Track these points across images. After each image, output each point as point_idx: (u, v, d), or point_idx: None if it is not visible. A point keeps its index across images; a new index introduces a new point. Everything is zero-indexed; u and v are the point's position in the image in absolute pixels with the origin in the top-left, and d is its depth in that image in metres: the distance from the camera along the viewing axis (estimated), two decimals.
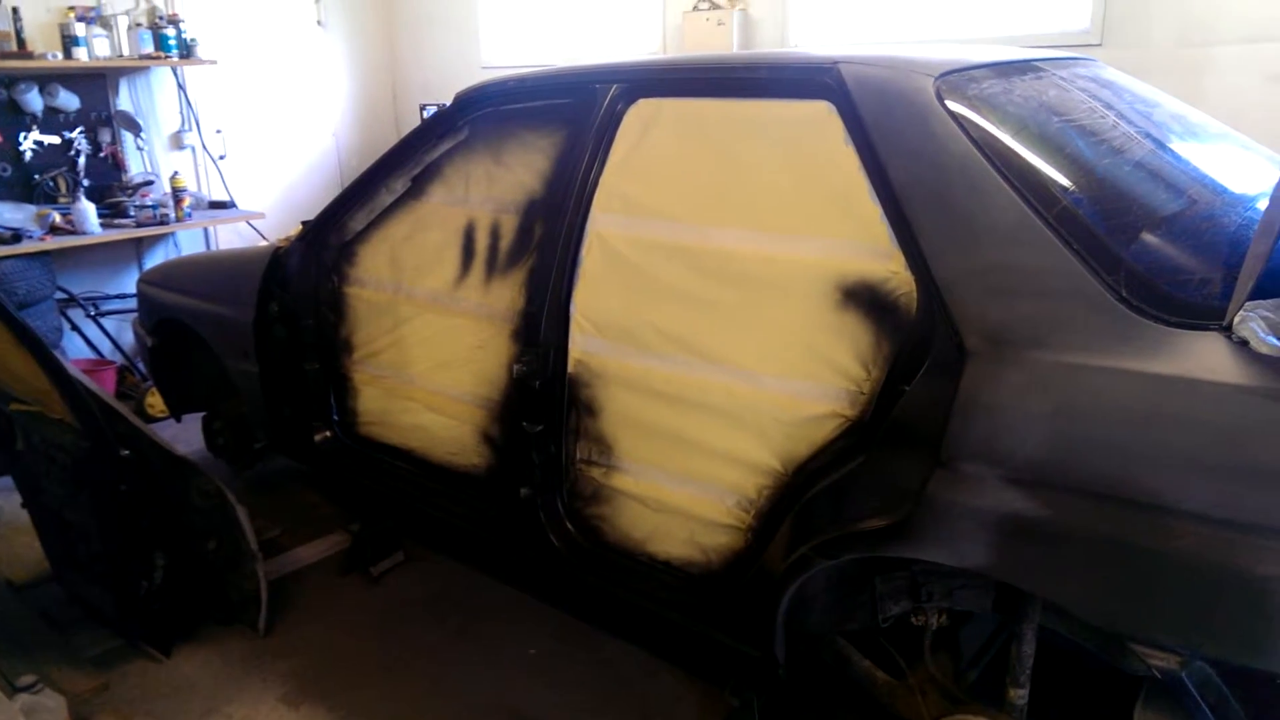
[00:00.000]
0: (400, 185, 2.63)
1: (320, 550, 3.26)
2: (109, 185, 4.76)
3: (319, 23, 5.76)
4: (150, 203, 4.66)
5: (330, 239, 2.81)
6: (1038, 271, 1.46)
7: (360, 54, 6.05)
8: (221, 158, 5.35)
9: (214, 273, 3.21)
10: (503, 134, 2.38)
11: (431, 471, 2.68)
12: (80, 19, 4.38)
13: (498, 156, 2.38)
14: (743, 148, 1.91)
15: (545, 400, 2.22)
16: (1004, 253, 1.49)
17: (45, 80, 4.45)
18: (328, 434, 2.99)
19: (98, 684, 2.45)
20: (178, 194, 4.68)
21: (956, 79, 1.70)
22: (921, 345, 1.59)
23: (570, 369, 2.19)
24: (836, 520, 1.69)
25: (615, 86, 2.11)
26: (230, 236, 5.45)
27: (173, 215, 4.60)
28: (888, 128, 1.66)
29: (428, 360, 2.61)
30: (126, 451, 2.49)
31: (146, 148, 5.00)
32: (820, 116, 1.77)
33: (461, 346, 2.47)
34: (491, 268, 2.37)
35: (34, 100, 4.42)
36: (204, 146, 5.23)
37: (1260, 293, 1.36)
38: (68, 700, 2.27)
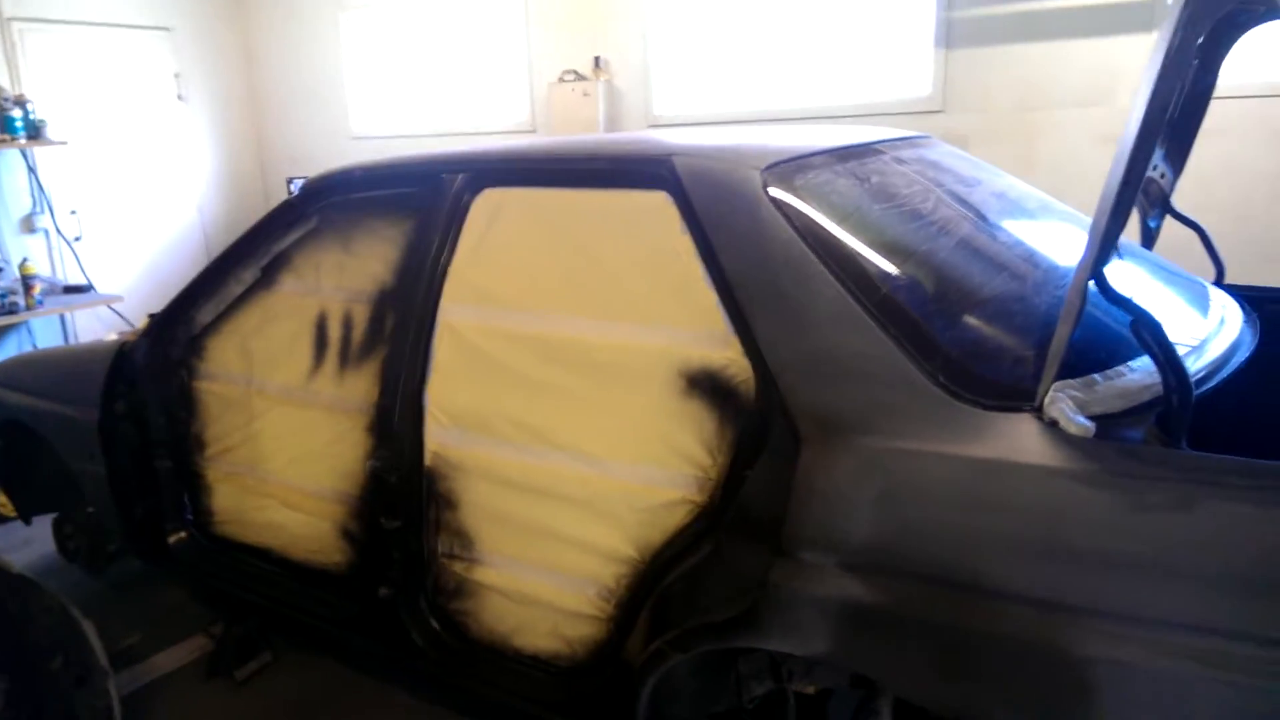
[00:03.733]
0: (249, 275, 2.54)
1: (182, 656, 3.06)
2: None
3: (179, 97, 5.60)
4: None
5: (178, 333, 2.69)
6: (861, 358, 1.50)
7: (224, 127, 5.92)
8: (77, 239, 5.11)
9: (56, 371, 3.03)
10: (352, 223, 2.33)
11: (292, 570, 2.56)
12: None
13: (348, 245, 2.33)
14: (587, 237, 1.92)
15: (403, 495, 2.15)
16: (829, 340, 1.53)
17: None
18: (183, 535, 2.83)
19: None
20: (27, 281, 4.43)
21: (784, 169, 1.75)
22: (761, 431, 1.61)
23: (427, 462, 2.13)
24: (689, 610, 1.67)
25: (460, 176, 2.10)
26: (90, 322, 5.19)
27: (22, 303, 4.35)
28: (718, 218, 1.69)
29: (283, 455, 2.50)
30: None
31: None
32: (658, 206, 1.80)
33: (317, 441, 2.39)
34: (345, 359, 2.31)
35: None
36: (57, 229, 4.99)
37: (1071, 370, 1.42)
38: None
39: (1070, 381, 1.41)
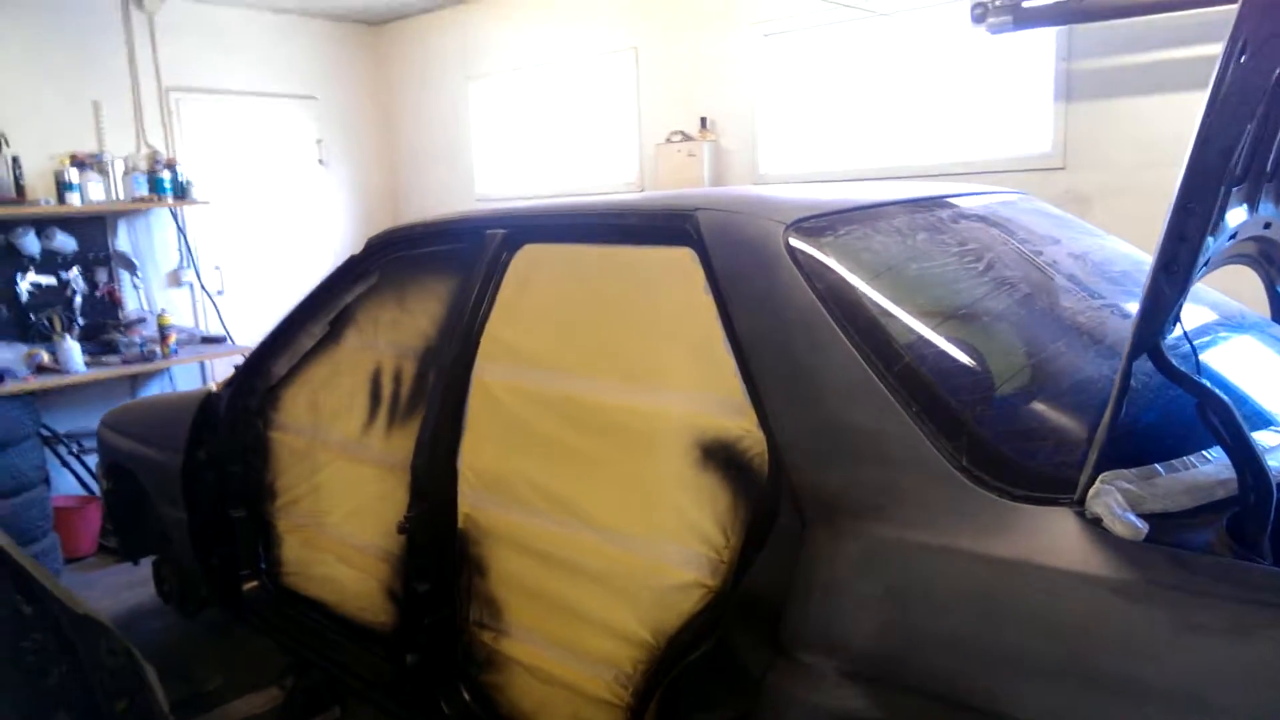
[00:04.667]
0: (319, 329, 2.60)
1: (257, 704, 3.11)
2: (103, 323, 4.88)
3: (320, 161, 5.98)
4: (138, 340, 4.76)
5: (256, 383, 2.78)
6: (875, 435, 1.33)
7: (361, 189, 6.26)
8: (219, 293, 5.48)
9: (153, 417, 3.20)
10: (407, 279, 2.35)
11: (344, 627, 2.54)
12: (77, 165, 4.59)
13: (402, 301, 2.35)
14: (613, 294, 1.83)
15: (434, 557, 2.10)
16: (842, 413, 1.37)
17: (43, 224, 4.64)
18: (255, 584, 2.89)
19: None
20: (164, 331, 4.77)
21: (814, 224, 1.62)
22: (772, 512, 1.45)
23: (460, 524, 2.07)
24: (695, 706, 1.51)
25: (502, 232, 2.07)
26: (228, 370, 5.52)
27: (159, 352, 4.68)
28: (736, 276, 1.57)
29: (340, 509, 2.52)
30: (29, 608, 2.41)
31: (143, 286, 5.15)
32: (683, 263, 1.69)
33: (368, 496, 2.38)
34: (393, 415, 2.30)
35: (31, 244, 4.60)
36: (201, 284, 5.38)
37: (1129, 461, 1.20)
38: None
39: (1123, 472, 1.19)
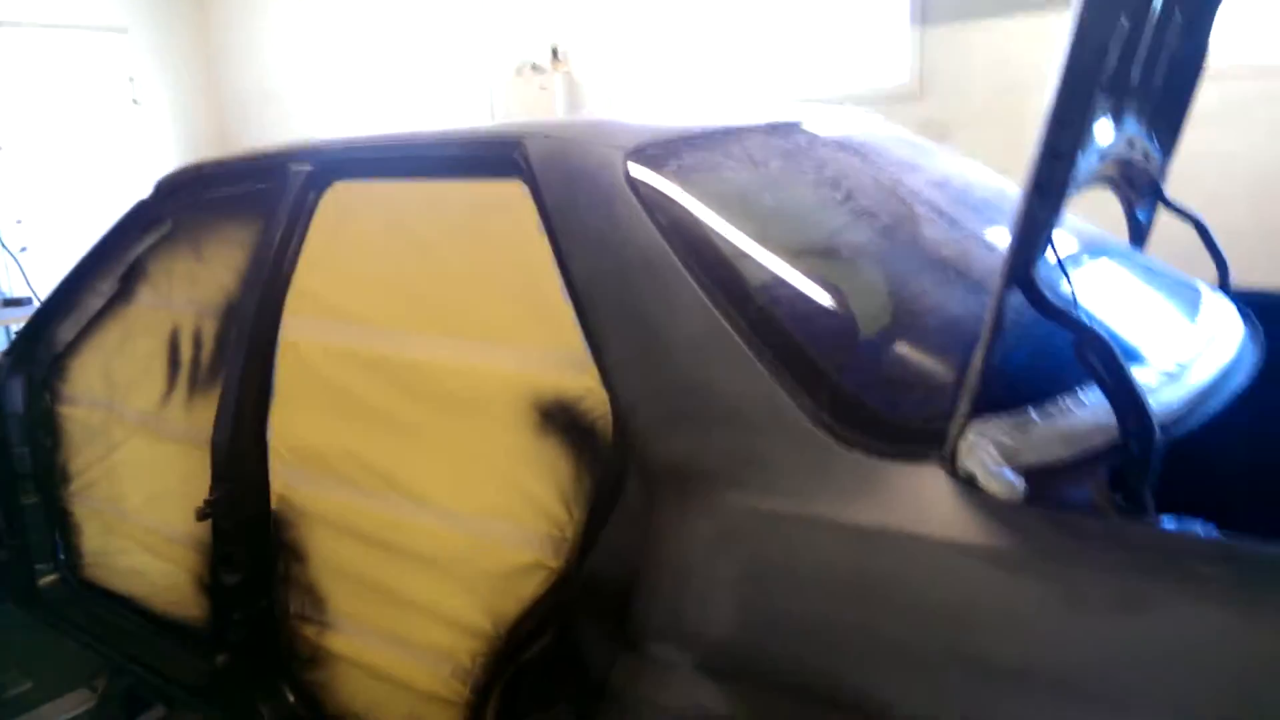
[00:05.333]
0: (108, 286, 2.24)
1: (67, 708, 2.77)
2: None
3: (135, 101, 5.36)
4: None
5: (40, 351, 2.40)
6: (727, 391, 1.15)
7: (185, 131, 5.67)
8: (23, 250, 4.86)
9: None
10: (203, 225, 2.03)
11: (154, 623, 2.24)
12: None
13: (198, 252, 2.03)
14: (436, 237, 1.59)
15: (245, 545, 1.83)
16: (690, 368, 1.19)
17: None
18: (53, 577, 2.53)
19: None
20: None
21: (658, 151, 1.42)
22: (617, 483, 1.27)
23: (274, 506, 1.81)
24: (535, 706, 1.33)
25: (307, 168, 1.78)
26: None
27: None
28: (570, 211, 1.36)
29: (141, 492, 2.20)
30: None
31: None
32: (513, 199, 1.46)
33: (172, 477, 2.07)
34: (194, 384, 2.00)
35: None
36: (0, 240, 4.75)
37: (1001, 405, 1.07)
38: None
39: (996, 421, 1.06)
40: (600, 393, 1.30)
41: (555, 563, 1.38)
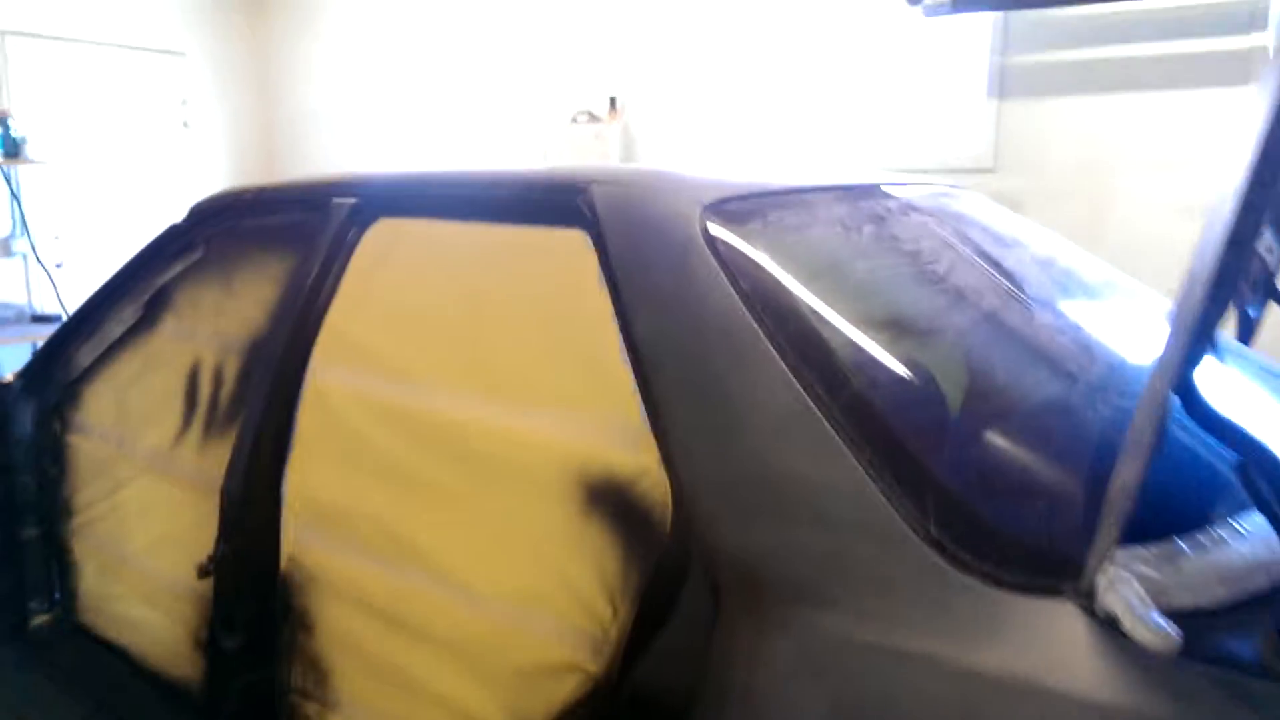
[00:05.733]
0: (131, 313, 2.12)
1: None
2: None
3: (185, 124, 5.36)
4: None
5: (55, 375, 2.28)
6: (817, 487, 0.99)
7: (235, 154, 5.65)
8: (59, 266, 4.81)
9: None
10: (236, 255, 1.91)
11: (149, 680, 2.07)
12: None
13: (229, 283, 1.91)
14: (486, 285, 1.45)
15: (250, 606, 1.67)
16: (771, 453, 1.02)
17: None
18: (46, 618, 2.38)
19: None
20: None
21: (739, 207, 1.27)
22: (676, 581, 1.10)
23: (283, 566, 1.65)
24: None
25: (353, 202, 1.66)
26: None
27: None
28: (637, 267, 1.21)
29: (143, 536, 2.05)
30: None
31: None
32: (574, 249, 1.32)
33: (177, 524, 1.92)
34: (209, 424, 1.86)
35: None
36: (35, 254, 4.71)
37: (1145, 532, 0.90)
38: None
39: (1140, 551, 0.88)
40: (659, 474, 1.14)
41: (593, 667, 1.20)
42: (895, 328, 1.19)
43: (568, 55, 4.40)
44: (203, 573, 1.66)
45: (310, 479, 1.61)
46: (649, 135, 4.14)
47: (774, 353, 1.06)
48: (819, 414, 1.01)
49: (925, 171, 3.20)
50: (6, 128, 4.27)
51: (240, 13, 5.60)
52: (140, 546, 2.06)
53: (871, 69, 3.59)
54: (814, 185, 1.46)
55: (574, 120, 4.27)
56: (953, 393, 1.12)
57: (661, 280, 1.18)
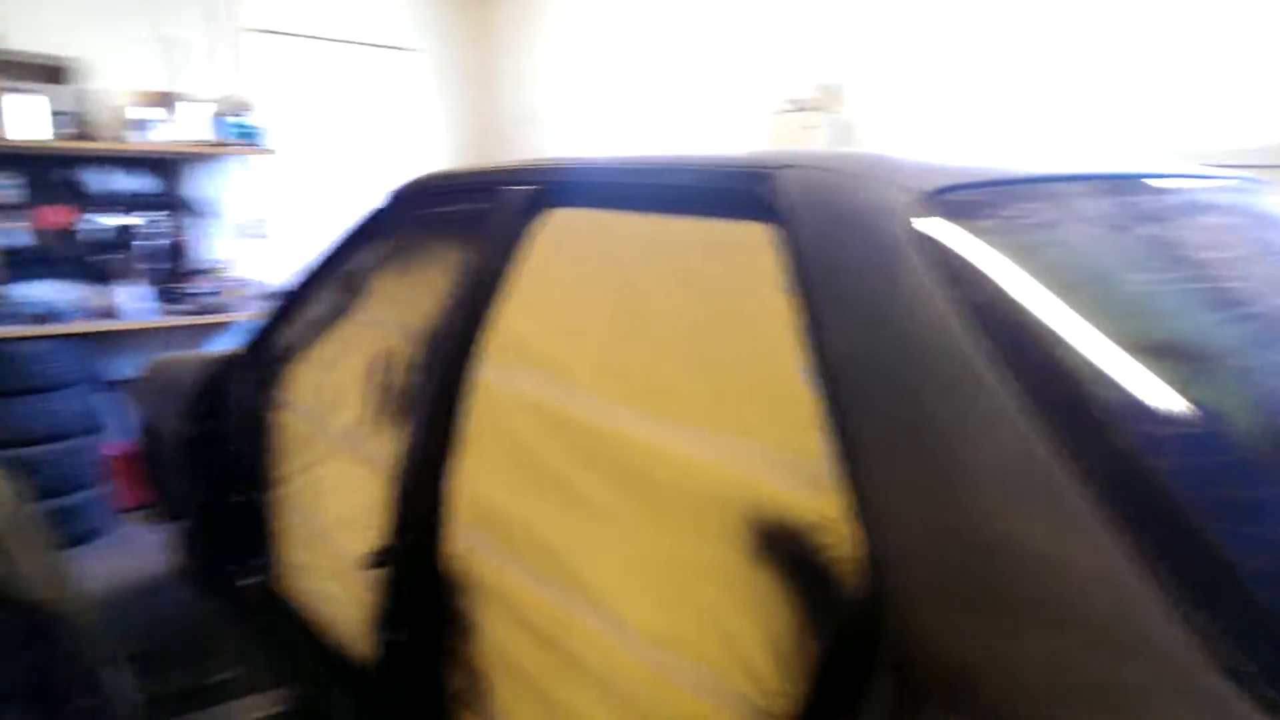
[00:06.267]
0: (332, 296, 2.16)
1: (261, 707, 2.78)
2: (168, 271, 4.64)
3: (414, 120, 5.61)
4: (206, 290, 4.50)
5: (267, 352, 2.38)
6: (1058, 574, 0.75)
7: (458, 151, 5.86)
8: (296, 248, 5.20)
9: (174, 376, 2.85)
10: (421, 243, 1.88)
11: (331, 656, 2.11)
12: (147, 104, 4.33)
13: (412, 270, 1.88)
14: (655, 284, 1.30)
15: (412, 602, 1.63)
16: (997, 523, 0.79)
17: (109, 163, 4.41)
18: (252, 580, 2.50)
19: None
20: (226, 283, 4.50)
21: (961, 198, 1.03)
22: (860, 664, 0.90)
23: (443, 565, 1.59)
24: None
25: (526, 189, 1.56)
26: None
27: (219, 305, 4.41)
28: (828, 269, 1.01)
29: (331, 514, 2.08)
30: None
31: (212, 234, 4.89)
32: (756, 246, 1.14)
33: (360, 506, 1.93)
34: (389, 412, 1.84)
35: (103, 182, 4.38)
36: (272, 236, 5.09)
37: None
38: None
39: None
40: (843, 527, 0.94)
41: None
42: (1178, 362, 0.91)
43: (777, 40, 4.16)
44: (368, 564, 1.63)
45: (472, 479, 1.53)
46: (870, 124, 3.82)
47: (1007, 387, 0.82)
48: (1068, 474, 0.77)
49: (1204, 158, 2.70)
50: (249, 120, 4.62)
51: (466, 11, 5.79)
52: (328, 524, 2.10)
53: (1137, 43, 3.09)
54: (1069, 173, 1.19)
55: (782, 110, 4.03)
56: (1263, 455, 0.83)
57: (859, 287, 0.97)
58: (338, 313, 2.16)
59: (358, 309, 2.09)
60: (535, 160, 1.68)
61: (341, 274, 2.14)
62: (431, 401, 1.59)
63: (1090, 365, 0.87)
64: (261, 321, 2.39)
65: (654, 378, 1.25)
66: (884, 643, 0.85)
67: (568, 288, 1.44)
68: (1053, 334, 0.90)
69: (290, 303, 2.30)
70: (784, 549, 1.01)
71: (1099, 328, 0.91)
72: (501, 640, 1.47)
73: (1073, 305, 0.93)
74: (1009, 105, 3.46)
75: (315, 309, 2.23)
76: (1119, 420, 0.81)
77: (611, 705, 1.24)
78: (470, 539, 1.53)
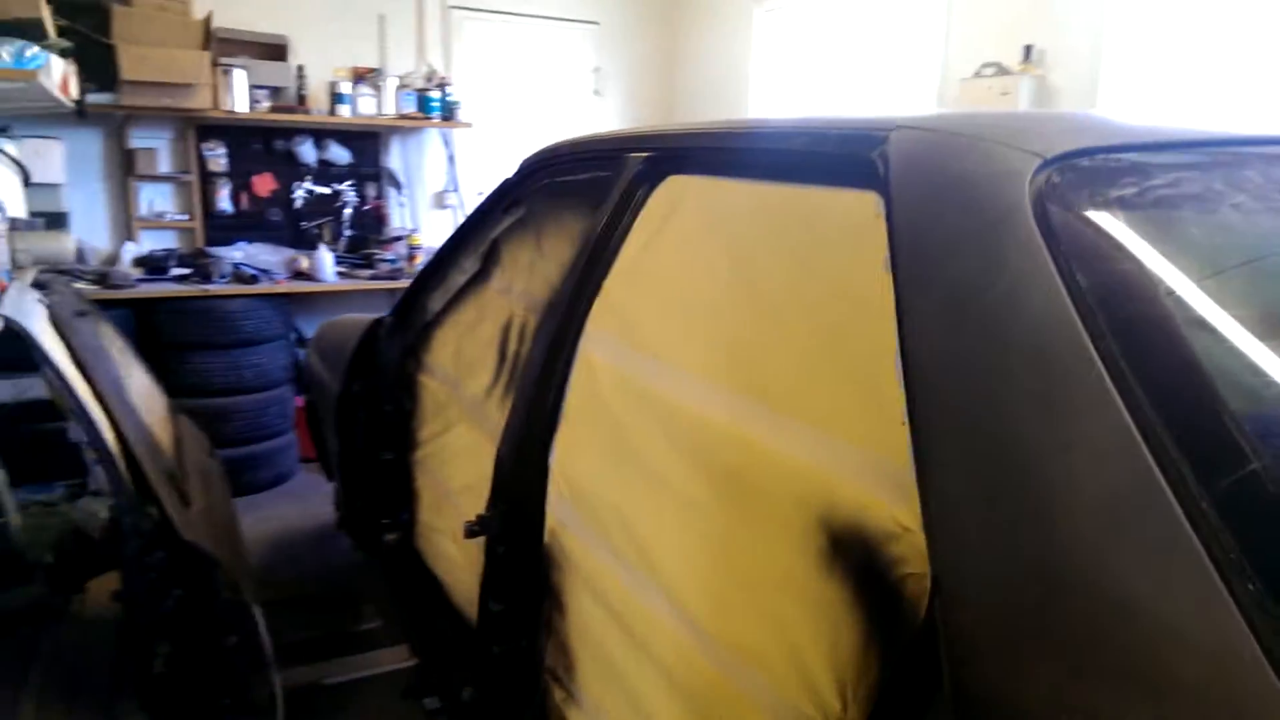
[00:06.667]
0: (470, 265, 2.19)
1: (403, 657, 2.91)
2: (366, 238, 4.95)
3: (596, 92, 5.67)
4: (391, 257, 4.77)
5: (414, 316, 2.45)
6: (1165, 625, 0.60)
7: (633, 124, 5.88)
8: None
9: (335, 337, 3.02)
10: (547, 212, 1.85)
11: (450, 617, 2.16)
12: (354, 79, 4.62)
13: (539, 241, 1.86)
14: (759, 257, 1.19)
15: (513, 575, 1.61)
16: (1093, 560, 0.65)
17: (321, 135, 4.74)
18: (394, 535, 2.61)
19: None
20: (412, 251, 4.74)
21: (1097, 165, 0.86)
22: (920, 701, 0.77)
23: (545, 539, 1.56)
24: None
25: (645, 156, 1.49)
26: None
27: (405, 271, 4.65)
28: (928, 246, 0.87)
29: (457, 478, 2.12)
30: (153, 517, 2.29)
31: (408, 204, 5.16)
32: (862, 217, 1.01)
33: (479, 471, 1.95)
34: (508, 382, 1.84)
35: (308, 153, 4.72)
36: (462, 207, 5.31)
37: None
38: None
39: None
40: (919, 539, 0.81)
41: None
42: None
43: (980, 4, 3.84)
44: (469, 532, 1.63)
45: (571, 455, 1.49)
46: (1070, 91, 3.45)
47: (1128, 399, 0.67)
48: (1191, 514, 0.61)
49: None
50: (445, 93, 4.83)
51: None
52: (453, 488, 2.14)
53: None
54: (1242, 136, 0.97)
55: (976, 74, 3.71)
56: None
57: (961, 267, 0.83)
58: (475, 280, 2.18)
59: (490, 278, 2.11)
60: (659, 126, 1.60)
61: (477, 243, 2.16)
62: (540, 372, 1.56)
63: (1237, 380, 0.70)
64: (410, 288, 2.47)
65: (745, 358, 1.15)
66: (953, 675, 0.72)
67: (670, 260, 1.36)
68: (1194, 339, 0.73)
69: (435, 269, 2.35)
70: (856, 559, 0.90)
71: (1255, 333, 0.72)
72: (589, 622, 1.43)
73: (1225, 303, 0.74)
74: (1224, 70, 3.01)
75: (454, 277, 2.26)
76: (1265, 454, 0.64)
77: (678, 702, 1.16)
78: (566, 515, 1.49)
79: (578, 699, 1.48)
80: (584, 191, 1.68)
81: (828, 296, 1.05)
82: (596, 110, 5.71)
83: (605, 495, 1.37)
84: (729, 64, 5.44)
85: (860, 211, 1.01)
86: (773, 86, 5.20)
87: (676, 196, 1.40)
